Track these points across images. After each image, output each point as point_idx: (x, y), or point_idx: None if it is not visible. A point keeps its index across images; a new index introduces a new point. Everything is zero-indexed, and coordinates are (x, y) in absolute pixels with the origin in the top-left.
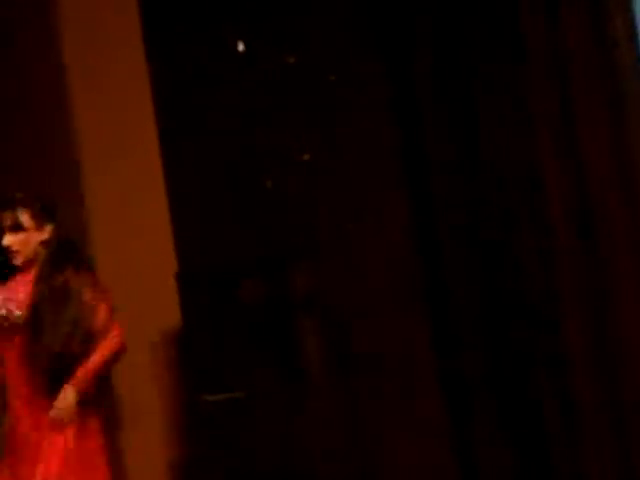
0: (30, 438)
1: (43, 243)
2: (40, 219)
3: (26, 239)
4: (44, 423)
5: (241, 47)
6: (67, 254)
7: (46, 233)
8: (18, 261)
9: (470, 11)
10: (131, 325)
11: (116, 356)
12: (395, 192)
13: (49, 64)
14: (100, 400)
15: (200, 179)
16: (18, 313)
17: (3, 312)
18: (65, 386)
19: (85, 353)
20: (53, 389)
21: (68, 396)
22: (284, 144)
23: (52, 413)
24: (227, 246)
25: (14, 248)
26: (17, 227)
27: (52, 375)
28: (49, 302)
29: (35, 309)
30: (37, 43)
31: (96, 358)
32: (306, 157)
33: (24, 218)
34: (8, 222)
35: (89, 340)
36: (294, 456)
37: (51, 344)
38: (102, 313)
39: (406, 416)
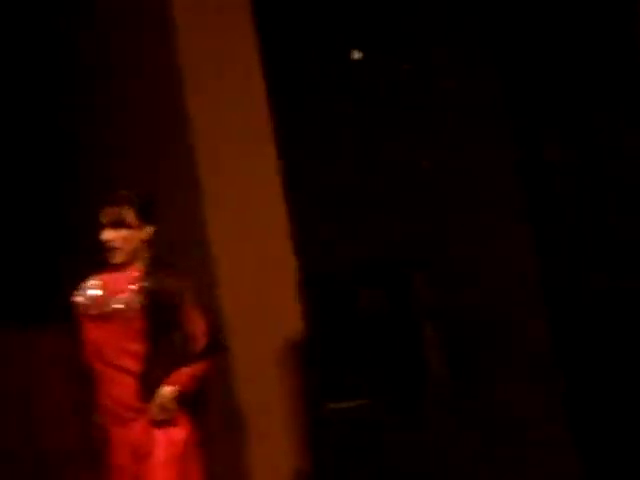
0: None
1: (144, 242)
2: (143, 218)
3: (128, 236)
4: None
5: (356, 55)
6: (168, 256)
7: (147, 233)
8: (117, 258)
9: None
10: (254, 333)
11: (209, 370)
12: (519, 207)
13: (166, 66)
14: (198, 409)
15: (319, 186)
16: (125, 309)
17: (118, 305)
18: (162, 385)
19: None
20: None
21: (165, 394)
22: (403, 151)
23: (151, 412)
24: (350, 254)
25: (115, 244)
26: (119, 224)
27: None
28: (153, 304)
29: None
30: (155, 44)
31: (192, 364)
32: (425, 165)
33: (128, 215)
34: (111, 218)
35: (185, 344)
36: (420, 465)
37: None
38: (200, 320)
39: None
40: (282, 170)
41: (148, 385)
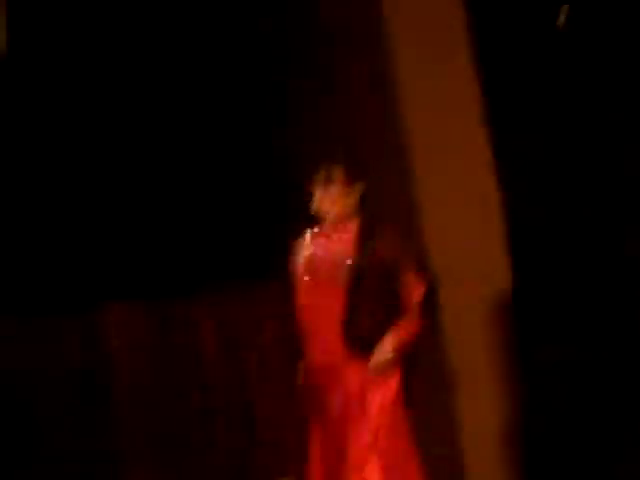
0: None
1: (354, 201)
2: (352, 179)
3: (338, 195)
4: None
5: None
6: (379, 218)
7: (357, 194)
8: (327, 218)
9: None
10: (463, 287)
11: (422, 329)
12: None
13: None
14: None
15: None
16: (340, 272)
17: (331, 270)
18: (381, 341)
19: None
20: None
21: (385, 345)
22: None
23: (371, 366)
24: (558, 209)
25: (325, 204)
26: (330, 183)
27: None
28: (365, 268)
29: (357, 274)
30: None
31: (407, 321)
32: None
33: (337, 176)
34: (322, 178)
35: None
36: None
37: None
38: (414, 281)
39: None
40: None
41: (360, 342)
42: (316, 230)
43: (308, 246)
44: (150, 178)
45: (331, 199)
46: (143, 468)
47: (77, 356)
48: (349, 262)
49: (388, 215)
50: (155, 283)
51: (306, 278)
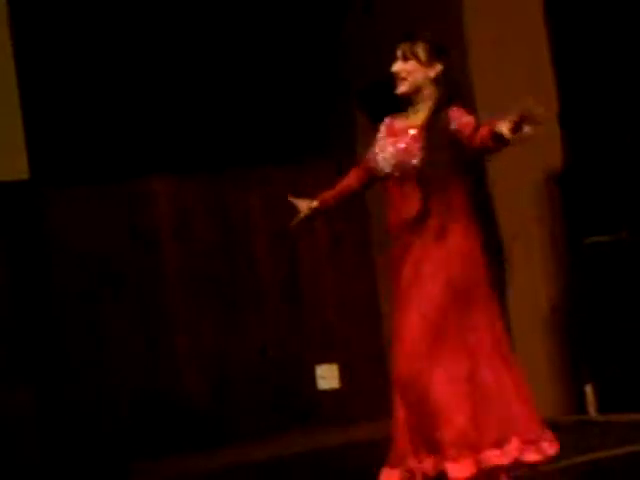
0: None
1: (431, 80)
2: (432, 55)
3: (414, 69)
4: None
5: None
6: (454, 96)
7: (435, 71)
8: (402, 88)
9: None
10: (513, 168)
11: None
12: None
13: None
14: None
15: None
16: (413, 162)
17: (398, 163)
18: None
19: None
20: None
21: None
22: None
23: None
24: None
25: (402, 75)
26: (408, 56)
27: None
28: (435, 148)
29: (426, 159)
30: None
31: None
32: None
33: (417, 50)
34: (402, 51)
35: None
36: None
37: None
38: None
39: None
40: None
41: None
42: (388, 121)
43: (380, 140)
44: (209, 50)
45: (408, 70)
46: (190, 326)
47: (131, 220)
48: (415, 162)
49: None
50: (207, 157)
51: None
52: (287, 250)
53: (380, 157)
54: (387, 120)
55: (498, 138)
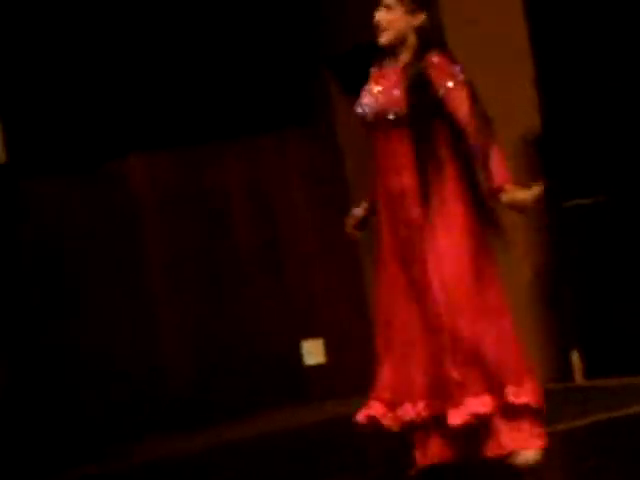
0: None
1: (413, 28)
2: (413, 4)
3: (395, 19)
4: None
5: None
6: (434, 43)
7: (417, 20)
8: (384, 39)
9: None
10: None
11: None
12: None
13: None
14: None
15: None
16: (395, 109)
17: (381, 110)
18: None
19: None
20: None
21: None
22: None
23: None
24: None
25: (382, 24)
26: (392, 5)
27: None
28: (416, 89)
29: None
30: None
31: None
32: None
33: (392, 1)
34: (383, 1)
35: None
36: None
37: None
38: (464, 103)
39: None
40: None
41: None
42: (375, 68)
43: (368, 91)
44: (182, 22)
45: (390, 20)
46: (172, 305)
47: (108, 201)
48: (395, 113)
49: None
50: (183, 131)
51: (367, 121)
52: (267, 220)
53: (364, 104)
54: (374, 67)
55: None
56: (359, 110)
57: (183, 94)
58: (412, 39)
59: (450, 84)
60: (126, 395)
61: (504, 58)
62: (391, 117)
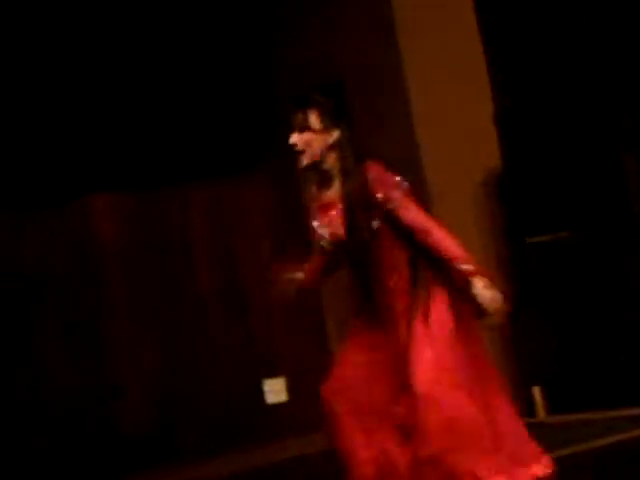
0: None
1: (329, 147)
2: (327, 122)
3: (310, 139)
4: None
5: None
6: (362, 156)
7: (332, 137)
8: (303, 162)
9: None
10: (453, 169)
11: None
12: None
13: None
14: None
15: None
16: (330, 240)
17: (322, 241)
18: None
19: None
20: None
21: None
22: None
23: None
24: (546, 88)
25: (299, 147)
26: (304, 127)
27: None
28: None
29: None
30: None
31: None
32: None
33: (312, 119)
34: (297, 122)
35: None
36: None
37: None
38: (412, 211)
39: None
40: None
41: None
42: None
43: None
44: (144, 69)
45: (305, 141)
46: (133, 345)
47: (70, 243)
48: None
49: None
50: (145, 174)
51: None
52: (229, 261)
53: (320, 232)
54: (314, 191)
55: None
56: (318, 237)
57: (146, 137)
58: (332, 158)
59: (396, 196)
60: (87, 437)
61: (464, 97)
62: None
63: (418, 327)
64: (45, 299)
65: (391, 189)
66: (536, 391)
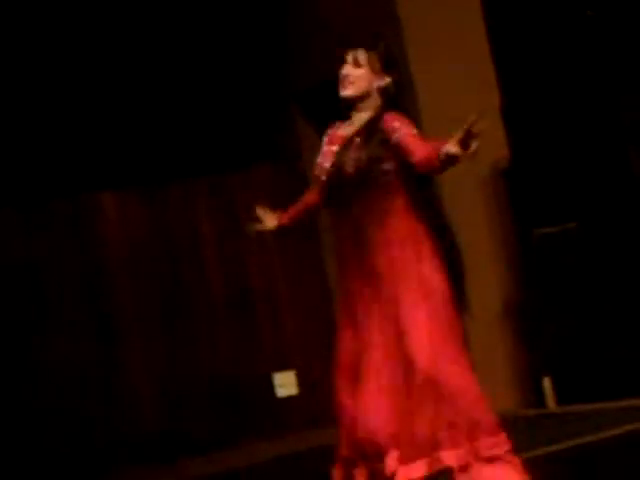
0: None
1: (377, 90)
2: (383, 67)
3: (363, 75)
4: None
5: None
6: (395, 106)
7: (383, 82)
8: (348, 91)
9: None
10: (459, 164)
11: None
12: None
13: None
14: None
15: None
16: (349, 171)
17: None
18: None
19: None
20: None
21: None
22: None
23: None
24: (553, 80)
25: (350, 78)
26: (360, 63)
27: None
28: (371, 155)
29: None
30: None
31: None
32: None
33: (370, 58)
34: (353, 57)
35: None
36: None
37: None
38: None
39: None
40: None
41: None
42: (331, 129)
43: (323, 149)
44: (148, 59)
45: (357, 76)
46: (142, 340)
47: (76, 239)
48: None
49: None
50: (152, 172)
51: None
52: (237, 259)
53: (322, 166)
54: (330, 128)
55: (448, 160)
56: (318, 171)
57: (152, 133)
58: (376, 99)
59: (402, 129)
60: (98, 432)
61: (470, 89)
62: (347, 180)
63: (409, 286)
64: (51, 297)
65: (404, 124)
66: (546, 381)
